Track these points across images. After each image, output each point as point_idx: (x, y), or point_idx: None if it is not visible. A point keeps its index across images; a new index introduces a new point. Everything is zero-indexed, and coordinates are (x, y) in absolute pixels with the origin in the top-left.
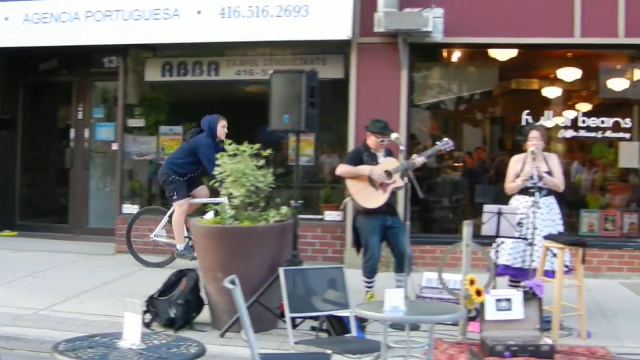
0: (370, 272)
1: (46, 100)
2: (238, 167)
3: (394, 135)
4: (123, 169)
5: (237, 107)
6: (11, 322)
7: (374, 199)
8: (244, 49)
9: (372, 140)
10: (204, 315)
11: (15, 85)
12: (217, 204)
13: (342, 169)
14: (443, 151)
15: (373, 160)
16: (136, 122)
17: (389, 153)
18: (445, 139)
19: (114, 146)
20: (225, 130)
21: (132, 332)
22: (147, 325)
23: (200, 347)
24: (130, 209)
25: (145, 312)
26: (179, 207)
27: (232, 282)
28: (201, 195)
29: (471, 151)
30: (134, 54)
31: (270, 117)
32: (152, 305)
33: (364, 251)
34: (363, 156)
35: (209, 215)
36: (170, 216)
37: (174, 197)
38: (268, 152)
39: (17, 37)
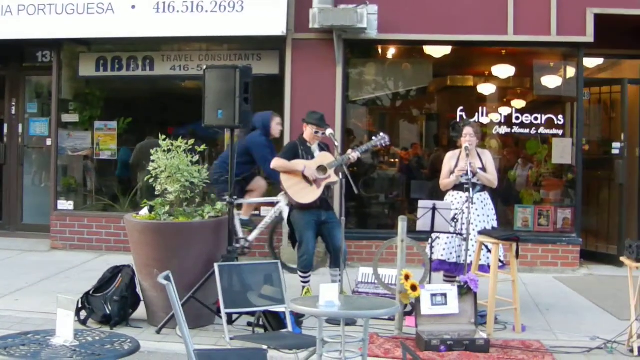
0: (305, 267)
1: None
2: (172, 162)
3: (328, 131)
4: (58, 165)
5: (172, 103)
6: None
7: (308, 195)
8: (179, 44)
9: (308, 132)
10: (141, 311)
11: None
12: (274, 203)
13: (276, 163)
14: (379, 146)
15: (308, 154)
16: (70, 118)
17: (324, 147)
18: (381, 135)
19: (49, 142)
20: (280, 127)
21: (65, 328)
22: (82, 322)
23: (135, 343)
24: (65, 205)
25: (80, 309)
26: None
27: (167, 278)
28: (259, 187)
29: (407, 147)
30: (68, 49)
31: (205, 113)
32: (87, 302)
33: (299, 246)
34: (299, 150)
35: (144, 211)
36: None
37: (224, 198)
38: (203, 147)
39: None
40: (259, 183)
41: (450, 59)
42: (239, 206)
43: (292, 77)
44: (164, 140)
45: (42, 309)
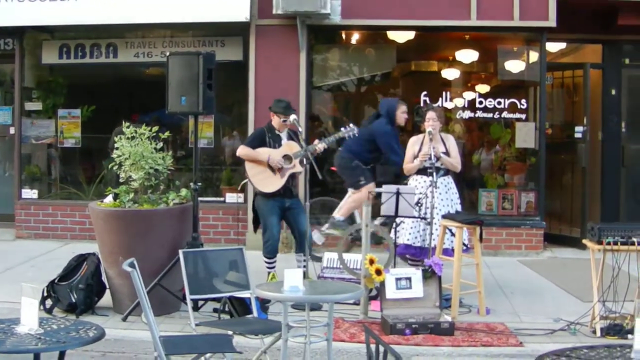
0: (270, 252)
1: None
2: (137, 150)
3: (292, 117)
4: (21, 154)
5: (136, 90)
6: None
7: (271, 184)
8: (142, 31)
9: (275, 120)
10: (106, 299)
11: None
12: None
13: (242, 151)
14: (347, 138)
15: (276, 142)
16: (34, 106)
17: (293, 136)
18: (351, 126)
19: (12, 130)
20: (406, 115)
21: (30, 317)
22: (48, 311)
23: (100, 330)
24: (30, 193)
25: (46, 297)
26: (366, 189)
27: (131, 265)
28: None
29: None
30: (31, 36)
31: (168, 100)
32: (53, 290)
33: (263, 232)
34: (266, 137)
35: (109, 198)
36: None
37: (362, 182)
38: (167, 134)
39: None
40: (369, 187)
41: (414, 44)
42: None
43: (255, 63)
44: (128, 127)
45: (7, 298)
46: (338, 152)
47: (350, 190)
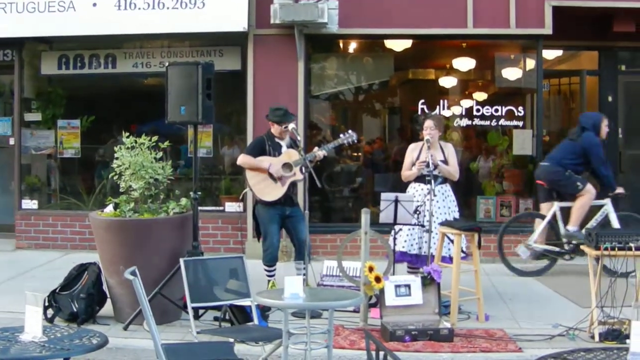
0: (270, 260)
1: None
2: (136, 159)
3: (290, 126)
4: (21, 164)
5: (135, 100)
6: None
7: (272, 192)
8: (141, 41)
9: (275, 128)
10: (107, 309)
11: None
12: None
13: (242, 160)
14: (346, 144)
15: (276, 150)
16: (33, 116)
17: (293, 143)
18: (349, 132)
19: (11, 141)
20: (607, 129)
21: (34, 325)
22: (49, 320)
23: (103, 338)
24: (30, 204)
25: (47, 307)
26: (589, 193)
27: (133, 274)
28: (588, 191)
29: (370, 141)
30: (30, 47)
31: (167, 110)
32: (54, 300)
33: (263, 240)
34: (265, 146)
35: (109, 208)
36: (549, 222)
37: (580, 187)
38: (166, 144)
39: None
40: (588, 187)
41: (411, 52)
42: (566, 214)
43: (254, 72)
44: (127, 137)
45: (8, 308)
46: (541, 167)
47: (546, 204)
